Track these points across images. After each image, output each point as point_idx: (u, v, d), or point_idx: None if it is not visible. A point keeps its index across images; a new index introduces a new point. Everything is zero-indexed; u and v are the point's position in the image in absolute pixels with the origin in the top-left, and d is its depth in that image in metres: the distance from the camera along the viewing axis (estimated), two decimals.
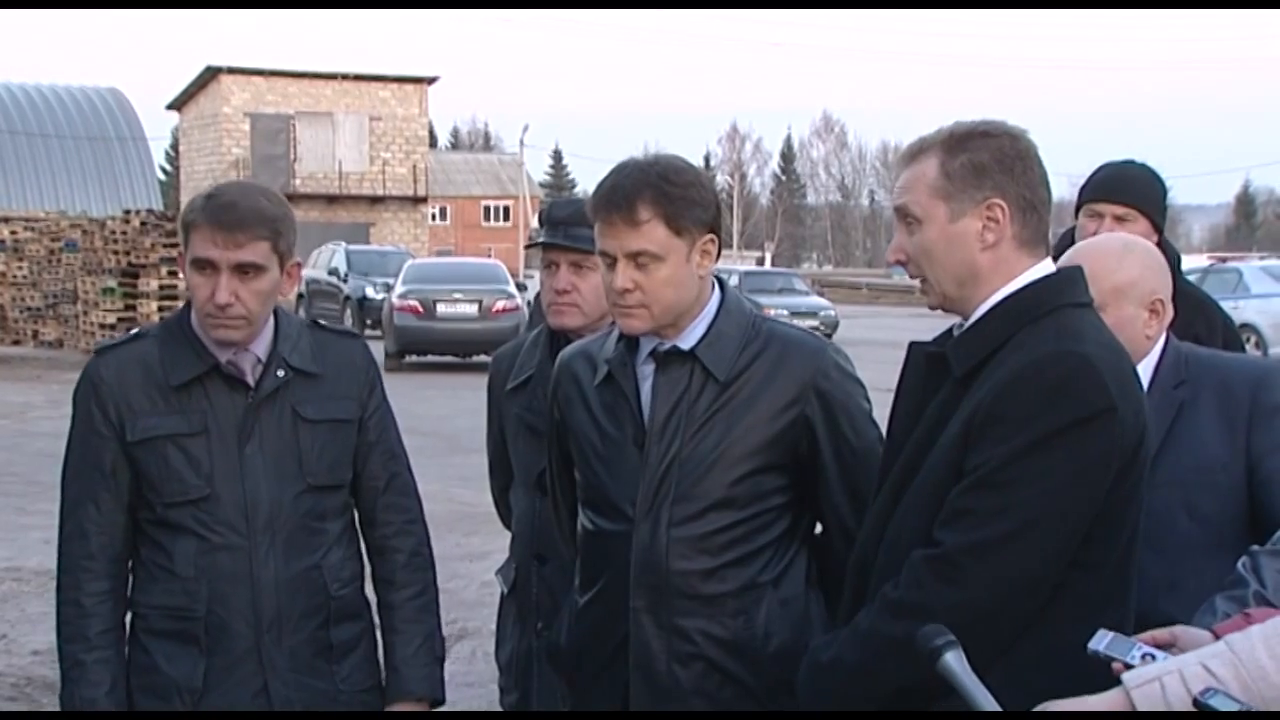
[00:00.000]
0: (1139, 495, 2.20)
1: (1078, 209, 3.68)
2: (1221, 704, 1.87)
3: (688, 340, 2.58)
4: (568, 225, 3.17)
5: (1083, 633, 2.11)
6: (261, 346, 2.74)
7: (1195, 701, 1.89)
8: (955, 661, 1.92)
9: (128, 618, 2.78)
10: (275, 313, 2.78)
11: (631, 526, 2.57)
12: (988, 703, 1.90)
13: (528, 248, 4.60)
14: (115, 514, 2.73)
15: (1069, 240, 3.76)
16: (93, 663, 2.70)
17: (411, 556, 2.89)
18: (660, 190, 2.50)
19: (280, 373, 2.74)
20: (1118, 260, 2.70)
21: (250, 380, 2.72)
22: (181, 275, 19.72)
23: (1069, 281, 2.23)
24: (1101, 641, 2.01)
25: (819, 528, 2.71)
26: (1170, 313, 2.76)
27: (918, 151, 2.27)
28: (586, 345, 2.77)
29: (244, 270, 2.64)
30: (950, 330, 2.31)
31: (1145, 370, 2.71)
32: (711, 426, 2.55)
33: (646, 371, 2.61)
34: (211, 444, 2.70)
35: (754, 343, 2.60)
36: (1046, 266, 2.24)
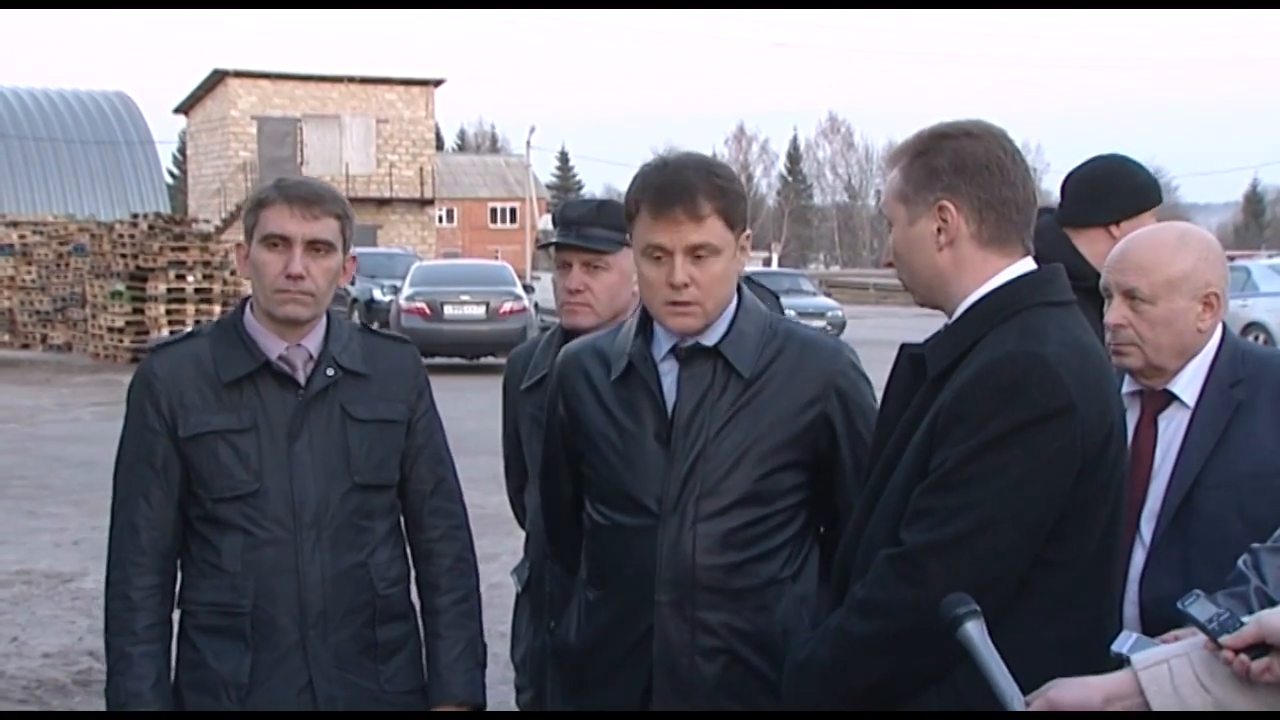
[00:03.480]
0: (1111, 493, 2.19)
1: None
2: (1200, 611, 1.91)
3: (711, 337, 2.60)
4: (581, 225, 3.19)
5: (1052, 630, 2.14)
6: (314, 343, 2.79)
7: (1177, 608, 1.93)
8: (975, 631, 1.94)
9: (176, 615, 2.81)
10: (327, 314, 2.83)
11: (653, 521, 2.58)
12: (1004, 677, 1.91)
13: (540, 247, 4.60)
14: (165, 509, 2.76)
15: (1040, 225, 3.54)
16: (138, 656, 2.73)
17: (456, 561, 2.91)
18: (714, 185, 2.53)
19: (330, 371, 2.78)
20: (1171, 253, 2.66)
21: (301, 378, 2.76)
22: (188, 279, 19.61)
23: (1044, 281, 2.24)
24: (1125, 643, 2.03)
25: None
26: (1226, 306, 2.70)
27: (895, 156, 2.32)
28: (594, 340, 2.78)
29: (316, 247, 2.71)
30: (940, 331, 2.32)
31: (1200, 367, 2.67)
32: (736, 423, 2.57)
33: (666, 367, 2.63)
34: (261, 440, 2.74)
35: (773, 341, 2.63)
36: (1023, 265, 2.25)
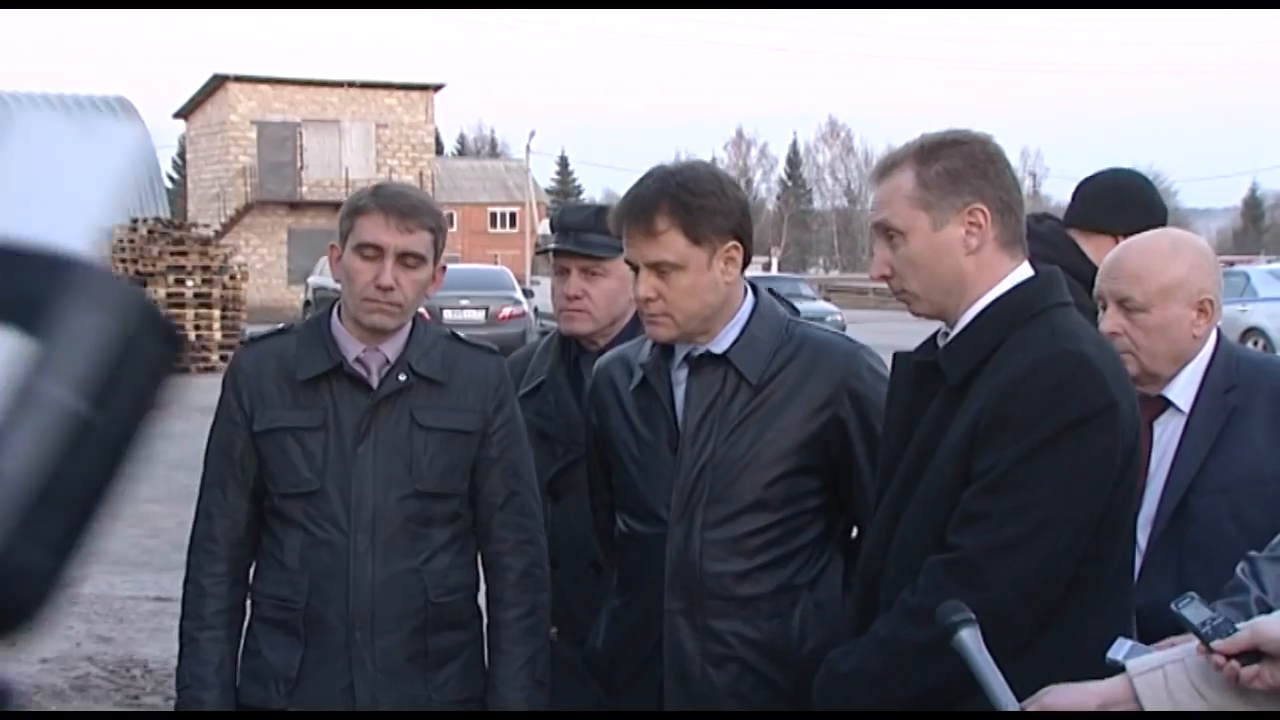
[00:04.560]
0: (1136, 491, 2.26)
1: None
2: (1194, 614, 1.92)
3: (720, 344, 2.61)
4: (579, 231, 3.20)
5: (1094, 625, 2.17)
6: (393, 349, 2.81)
7: (1170, 610, 1.95)
8: (970, 639, 1.96)
9: (249, 603, 2.87)
10: (413, 320, 2.85)
11: (666, 530, 2.58)
12: (999, 684, 1.93)
13: (539, 253, 4.54)
14: (240, 500, 2.83)
15: (1043, 230, 3.62)
16: (205, 640, 2.81)
17: (522, 576, 2.88)
18: (678, 200, 2.53)
19: (402, 377, 2.79)
20: (1165, 260, 2.67)
21: (374, 381, 2.79)
22: (187, 284, 19.63)
23: (1051, 283, 2.27)
24: (1121, 650, 2.04)
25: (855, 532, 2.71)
26: (1220, 312, 2.72)
27: (890, 166, 2.29)
28: (624, 351, 2.81)
29: (408, 259, 2.74)
30: (934, 338, 2.32)
31: (1195, 372, 2.68)
32: (745, 429, 2.57)
33: (681, 376, 2.64)
34: (329, 440, 2.77)
35: (787, 346, 2.62)
36: (1026, 269, 2.27)
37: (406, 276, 2.74)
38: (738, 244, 2.58)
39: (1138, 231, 3.42)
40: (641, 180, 2.61)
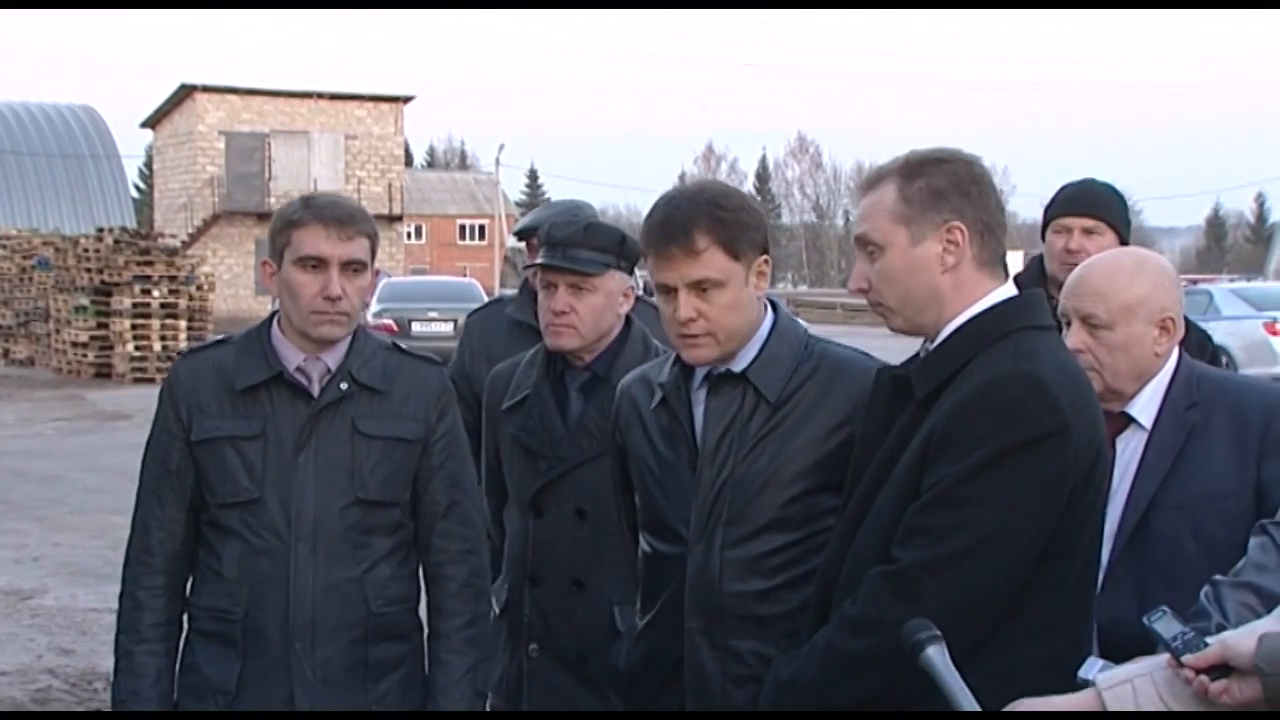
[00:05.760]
0: (1095, 515, 2.22)
1: (1044, 227, 3.73)
2: (1165, 628, 1.94)
3: (740, 363, 2.60)
4: (567, 247, 3.17)
5: (1040, 651, 2.16)
6: (334, 358, 2.81)
7: (1142, 623, 1.95)
8: (937, 656, 1.95)
9: (186, 617, 2.84)
10: (355, 329, 2.84)
11: (686, 549, 2.57)
12: (967, 700, 1.93)
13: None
14: (176, 512, 2.81)
15: (1038, 266, 3.80)
16: (141, 654, 2.79)
17: (463, 586, 2.88)
18: (714, 217, 2.53)
19: (344, 385, 2.79)
20: (1128, 278, 2.70)
21: (315, 390, 2.78)
22: (153, 294, 19.51)
23: (1029, 305, 2.27)
24: (1092, 669, 2.04)
25: None
26: (1181, 330, 2.75)
27: (875, 180, 2.31)
28: (645, 370, 2.80)
29: (351, 267, 2.75)
30: (918, 353, 2.34)
31: (1157, 390, 2.70)
32: (764, 448, 2.56)
33: (700, 396, 2.63)
34: (267, 449, 2.76)
35: (805, 364, 2.61)
36: (1008, 289, 2.28)
37: (351, 284, 2.74)
38: (767, 258, 2.61)
39: (1110, 220, 3.65)
40: (666, 202, 2.58)
